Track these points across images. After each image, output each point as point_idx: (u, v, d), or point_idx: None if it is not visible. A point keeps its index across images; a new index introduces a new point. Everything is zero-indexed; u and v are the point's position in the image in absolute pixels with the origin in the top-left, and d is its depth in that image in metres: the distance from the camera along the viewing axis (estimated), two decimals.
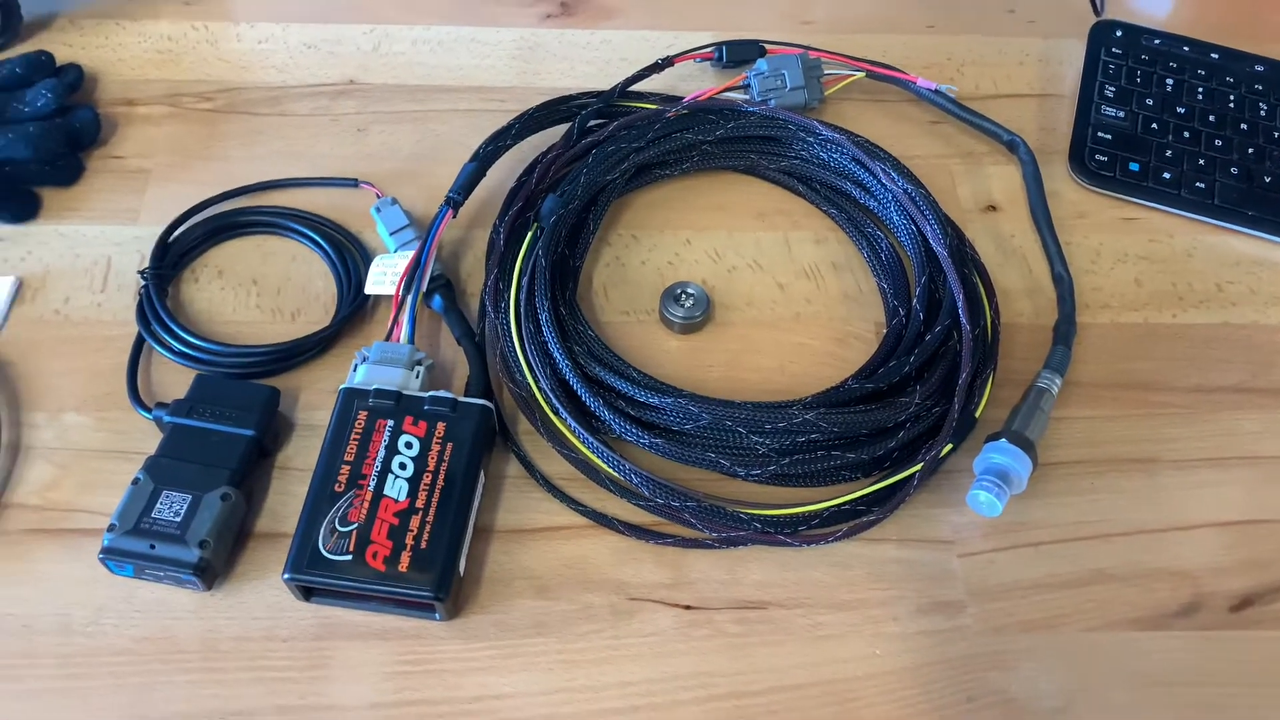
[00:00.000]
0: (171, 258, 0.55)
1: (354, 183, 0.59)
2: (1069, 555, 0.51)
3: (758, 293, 0.59)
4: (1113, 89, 0.68)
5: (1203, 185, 0.64)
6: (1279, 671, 0.48)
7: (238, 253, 0.57)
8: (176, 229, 0.56)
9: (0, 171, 0.57)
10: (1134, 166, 0.65)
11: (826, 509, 0.49)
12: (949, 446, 0.52)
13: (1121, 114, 0.67)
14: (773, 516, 0.49)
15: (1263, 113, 0.68)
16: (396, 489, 0.45)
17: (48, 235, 0.57)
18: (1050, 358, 0.56)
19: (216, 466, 0.46)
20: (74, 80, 0.62)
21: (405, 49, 0.68)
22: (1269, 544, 0.52)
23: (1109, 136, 0.66)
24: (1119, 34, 0.71)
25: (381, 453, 0.46)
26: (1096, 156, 0.65)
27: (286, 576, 0.43)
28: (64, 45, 0.67)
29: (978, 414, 0.54)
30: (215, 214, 0.57)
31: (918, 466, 0.50)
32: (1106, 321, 0.59)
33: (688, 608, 0.48)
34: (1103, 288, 0.61)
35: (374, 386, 0.47)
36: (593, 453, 0.49)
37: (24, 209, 0.57)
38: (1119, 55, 0.70)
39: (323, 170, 0.60)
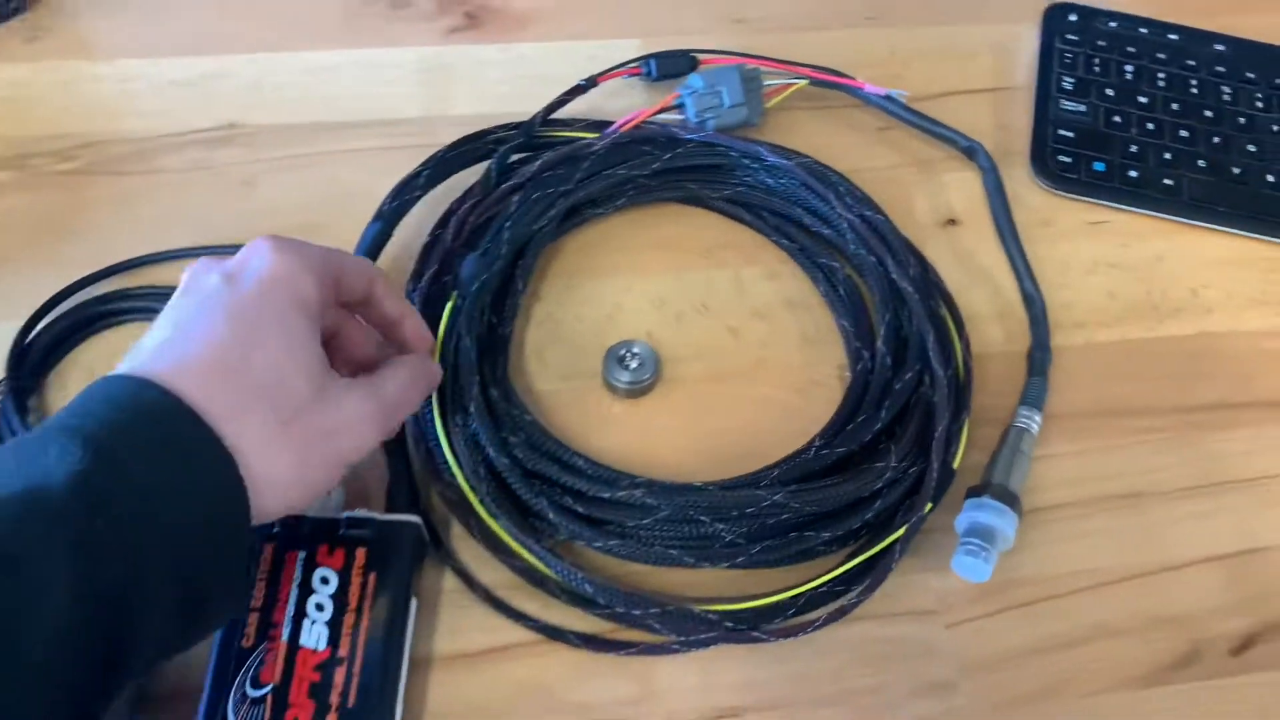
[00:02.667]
0: (32, 362, 0.47)
1: None
2: (1062, 612, 0.47)
3: (709, 341, 0.53)
4: (1071, 80, 0.63)
5: (1171, 182, 0.60)
6: None
7: (114, 347, 0.50)
8: (35, 326, 0.48)
9: None
10: (1099, 166, 0.60)
11: (802, 594, 0.45)
12: (929, 506, 0.47)
13: (1082, 107, 0.62)
14: (744, 611, 0.44)
15: (1226, 97, 0.63)
16: (315, 637, 0.39)
17: None
18: (1027, 391, 0.52)
19: None
20: None
21: (293, 80, 0.60)
22: (1263, 576, 0.49)
23: (1071, 134, 0.61)
24: (1073, 18, 0.66)
25: (294, 593, 0.40)
26: (1059, 157, 0.60)
27: None
28: None
29: (955, 464, 0.49)
30: (83, 302, 0.49)
31: (898, 533, 0.46)
32: (1081, 342, 0.55)
33: None
34: (1075, 304, 0.56)
35: None
36: (539, 560, 0.43)
37: None
38: (1075, 42, 0.65)
39: (207, 235, 0.53)
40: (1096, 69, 0.64)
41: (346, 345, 0.41)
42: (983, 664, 0.46)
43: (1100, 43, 0.65)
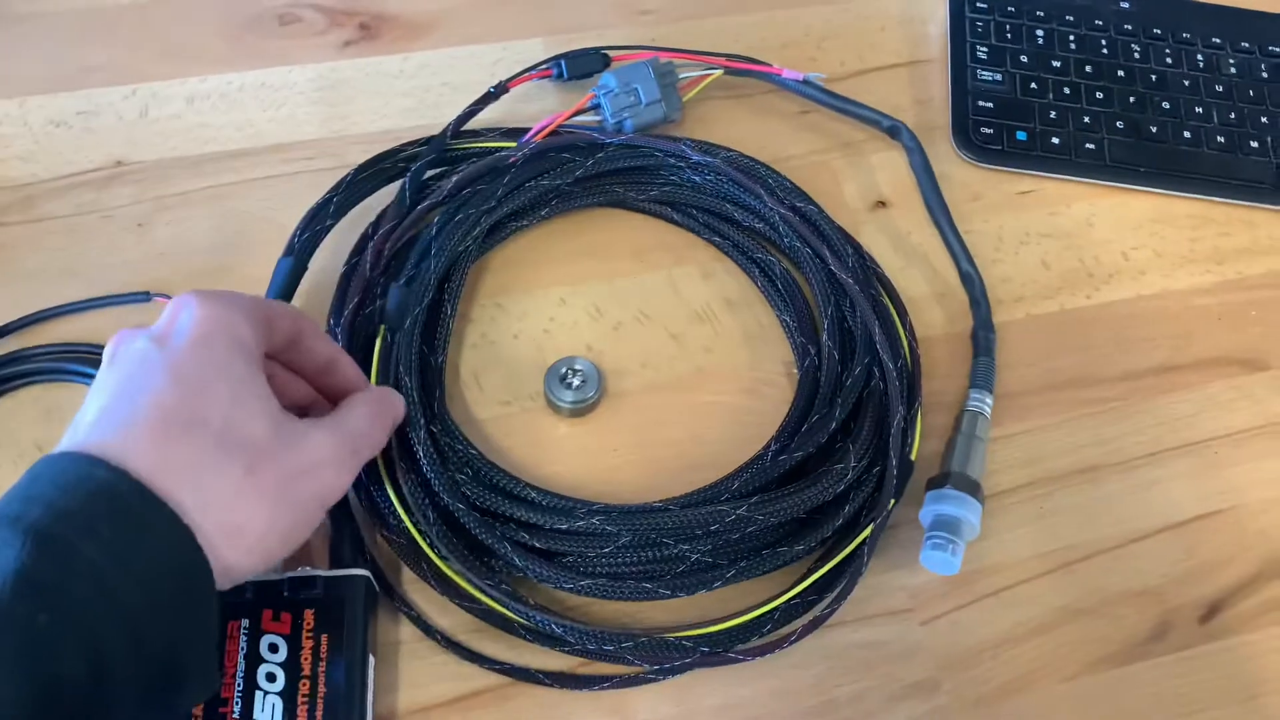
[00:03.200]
0: None
1: (146, 296, 0.48)
2: (1032, 596, 0.47)
3: (651, 350, 0.51)
4: (985, 49, 0.63)
5: (1093, 146, 0.60)
6: (1256, 680, 0.46)
7: (9, 414, 0.46)
8: None
9: None
10: (1021, 135, 0.60)
11: (776, 609, 0.43)
12: (892, 502, 0.46)
13: (998, 76, 0.62)
14: (719, 634, 0.42)
15: (1136, 55, 0.63)
16: (269, 710, 0.36)
17: None
18: (975, 373, 0.52)
19: None
20: None
21: (179, 109, 0.56)
22: (1219, 538, 0.49)
23: (990, 104, 0.61)
24: None
25: (241, 665, 0.37)
26: (981, 129, 0.60)
27: None
28: None
29: (913, 456, 0.48)
30: None
31: (865, 534, 0.45)
32: (1022, 315, 0.55)
33: None
34: (1012, 277, 0.56)
35: None
36: (501, 605, 0.41)
37: None
38: (984, 9, 0.64)
39: (104, 286, 0.49)
40: (1009, 35, 0.63)
41: (281, 392, 0.39)
42: (960, 660, 0.45)
43: (1009, 8, 0.64)
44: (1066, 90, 0.62)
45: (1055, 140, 0.60)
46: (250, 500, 0.33)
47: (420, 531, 0.42)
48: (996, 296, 0.55)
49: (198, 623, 0.32)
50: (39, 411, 0.46)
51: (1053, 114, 0.61)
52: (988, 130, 0.60)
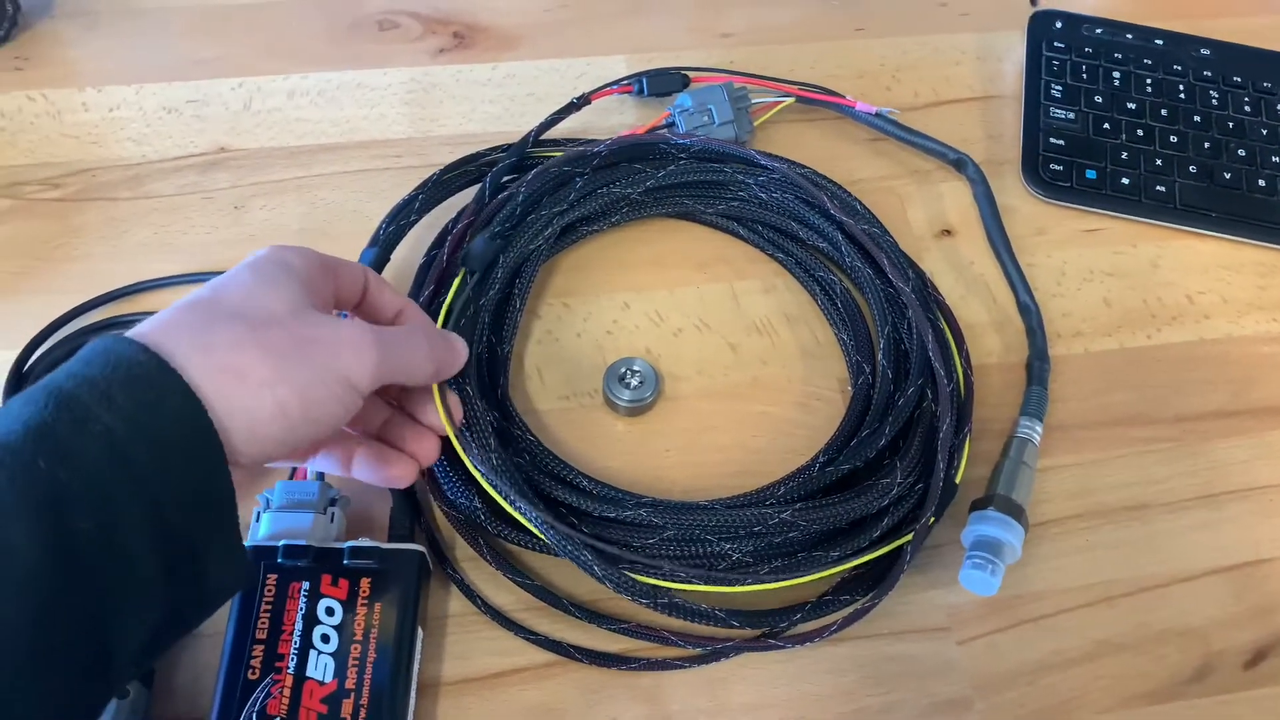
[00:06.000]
0: None
1: None
2: (1072, 627, 0.47)
3: (708, 357, 0.53)
4: (1059, 88, 0.63)
5: (1163, 188, 0.60)
6: None
7: None
8: (33, 353, 0.47)
9: None
10: (1091, 174, 0.60)
11: (808, 600, 0.44)
12: (931, 520, 0.47)
13: (1071, 115, 0.62)
14: (751, 611, 0.44)
15: (1214, 101, 0.64)
16: (321, 668, 0.38)
17: None
18: (1027, 402, 0.52)
19: None
20: None
21: (280, 104, 0.59)
22: (1270, 586, 0.49)
23: (1061, 142, 0.61)
24: (1059, 25, 0.66)
25: (299, 624, 0.39)
26: (1051, 166, 0.60)
27: None
28: None
29: (958, 479, 0.49)
30: (81, 329, 0.49)
31: (907, 537, 0.45)
32: (1080, 351, 0.55)
33: None
34: (1072, 312, 0.56)
35: (281, 541, 0.40)
36: (557, 542, 0.42)
37: None
38: (1061, 49, 0.65)
39: (201, 260, 0.52)
40: (1084, 76, 0.64)
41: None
42: (996, 681, 0.45)
43: (1086, 49, 0.65)
44: (1140, 132, 0.62)
45: (1125, 180, 0.60)
46: (250, 351, 0.33)
47: (479, 508, 0.43)
48: (1055, 330, 0.55)
49: (211, 497, 0.32)
50: None
51: (1124, 155, 0.61)
52: (1057, 167, 0.60)
